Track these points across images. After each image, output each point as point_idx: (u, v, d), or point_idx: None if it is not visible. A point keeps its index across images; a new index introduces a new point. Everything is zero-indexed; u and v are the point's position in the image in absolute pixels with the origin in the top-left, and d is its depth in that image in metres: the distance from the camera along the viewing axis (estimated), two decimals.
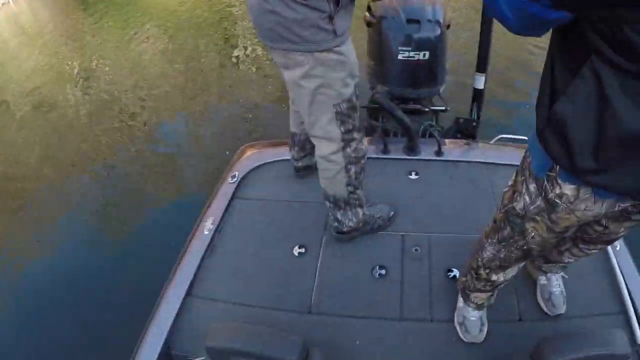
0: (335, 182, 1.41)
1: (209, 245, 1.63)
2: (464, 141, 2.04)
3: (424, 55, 1.89)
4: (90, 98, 4.51)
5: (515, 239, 0.99)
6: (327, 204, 1.50)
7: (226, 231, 1.70)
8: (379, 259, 1.54)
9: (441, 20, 1.91)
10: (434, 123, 2.14)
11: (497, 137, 2.04)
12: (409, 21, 1.86)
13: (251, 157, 1.99)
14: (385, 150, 1.91)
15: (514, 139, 2.01)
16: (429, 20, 1.89)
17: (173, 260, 1.59)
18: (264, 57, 4.75)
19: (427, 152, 1.91)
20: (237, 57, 5.09)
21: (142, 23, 6.23)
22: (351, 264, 1.54)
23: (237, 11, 6.21)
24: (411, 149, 1.88)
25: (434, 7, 1.93)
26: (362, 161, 1.40)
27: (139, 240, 2.65)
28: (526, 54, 4.21)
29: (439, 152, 1.89)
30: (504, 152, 1.93)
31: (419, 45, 1.87)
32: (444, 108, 2.14)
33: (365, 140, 1.43)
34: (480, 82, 2.08)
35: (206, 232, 1.67)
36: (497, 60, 3.31)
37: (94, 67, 5.16)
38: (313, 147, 1.62)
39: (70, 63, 5.36)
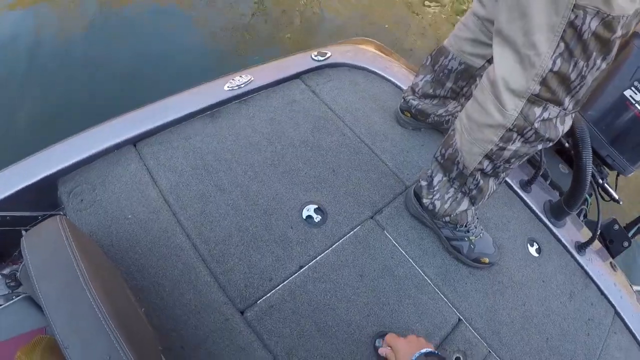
0: (476, 136, 0.85)
1: (210, 106, 1.17)
2: (611, 260, 1.36)
3: None
4: None
5: None
6: (432, 164, 1.01)
7: (248, 106, 1.22)
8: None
9: None
10: (588, 202, 1.50)
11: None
12: None
13: (363, 53, 1.46)
14: (526, 188, 1.29)
15: None
16: None
17: None
18: None
19: (567, 232, 1.27)
20: None
21: None
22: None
23: None
24: (556, 214, 1.25)
25: None
26: (538, 146, 0.82)
27: None
28: None
29: (581, 248, 1.24)
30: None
31: None
32: (617, 198, 1.48)
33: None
34: None
35: (226, 88, 1.21)
36: None
37: None
38: (454, 92, 1.13)
39: None
